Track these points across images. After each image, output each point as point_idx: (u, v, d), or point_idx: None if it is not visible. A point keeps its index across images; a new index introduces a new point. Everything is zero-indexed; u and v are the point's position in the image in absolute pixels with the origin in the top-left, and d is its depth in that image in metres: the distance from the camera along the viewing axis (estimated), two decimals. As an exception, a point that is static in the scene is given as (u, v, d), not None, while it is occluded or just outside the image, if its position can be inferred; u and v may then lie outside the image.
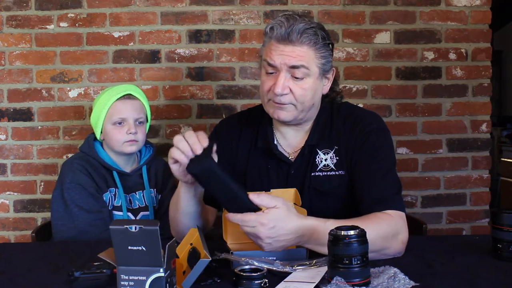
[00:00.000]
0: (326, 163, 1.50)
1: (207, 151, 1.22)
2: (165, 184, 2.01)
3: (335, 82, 1.56)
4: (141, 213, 1.91)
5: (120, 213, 1.86)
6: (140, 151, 2.00)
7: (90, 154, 1.88)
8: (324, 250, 1.14)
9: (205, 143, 1.22)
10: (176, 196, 1.39)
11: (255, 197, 1.17)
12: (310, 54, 1.41)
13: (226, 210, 1.20)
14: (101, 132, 1.90)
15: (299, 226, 1.20)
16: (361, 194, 1.43)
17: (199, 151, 1.21)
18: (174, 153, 1.24)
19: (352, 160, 1.48)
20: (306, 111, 1.47)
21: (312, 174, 1.50)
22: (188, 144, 1.22)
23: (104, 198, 1.85)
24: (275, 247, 1.19)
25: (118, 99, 1.86)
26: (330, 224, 1.10)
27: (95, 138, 1.95)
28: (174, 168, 1.29)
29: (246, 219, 1.16)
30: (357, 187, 1.45)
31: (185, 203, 1.35)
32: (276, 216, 1.17)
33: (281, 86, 1.40)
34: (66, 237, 1.76)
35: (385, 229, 1.27)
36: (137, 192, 1.93)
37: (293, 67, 1.40)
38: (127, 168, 1.94)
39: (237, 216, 1.17)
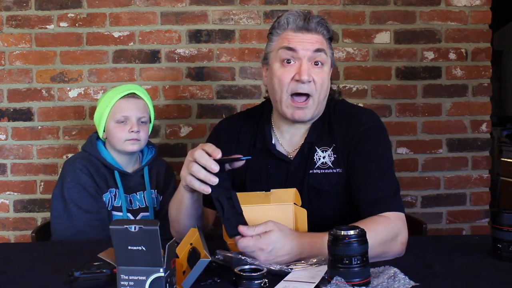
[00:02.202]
0: (324, 160, 1.49)
1: (222, 164, 1.20)
2: (167, 185, 2.01)
3: (331, 81, 1.57)
4: (141, 214, 1.91)
5: (120, 213, 1.85)
6: (142, 151, 2.00)
7: (92, 154, 1.88)
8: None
9: (218, 154, 1.19)
10: (178, 199, 1.38)
11: (246, 231, 1.16)
12: (325, 43, 1.46)
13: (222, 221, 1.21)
14: (104, 131, 1.90)
15: (296, 245, 1.20)
16: (359, 196, 1.42)
17: (215, 168, 1.17)
18: (192, 183, 1.21)
19: (349, 159, 1.48)
20: (321, 103, 1.49)
21: (310, 171, 1.49)
22: (202, 167, 1.18)
23: (104, 199, 1.85)
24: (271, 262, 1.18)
25: (122, 97, 1.87)
26: (318, 238, 1.10)
27: (98, 138, 1.95)
28: (188, 194, 1.30)
29: (244, 245, 1.15)
30: (355, 188, 1.45)
31: (188, 206, 1.35)
32: (273, 239, 1.16)
33: (306, 72, 1.41)
34: (64, 236, 1.76)
35: (383, 234, 1.26)
36: (137, 193, 1.93)
37: (317, 50, 1.43)
38: (129, 168, 1.94)
39: (236, 240, 1.16)
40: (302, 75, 1.40)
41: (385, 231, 1.28)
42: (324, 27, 1.46)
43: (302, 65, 1.41)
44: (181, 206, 1.36)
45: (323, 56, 1.44)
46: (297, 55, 1.42)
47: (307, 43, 1.42)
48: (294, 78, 1.42)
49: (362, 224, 1.27)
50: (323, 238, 1.20)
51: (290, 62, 1.43)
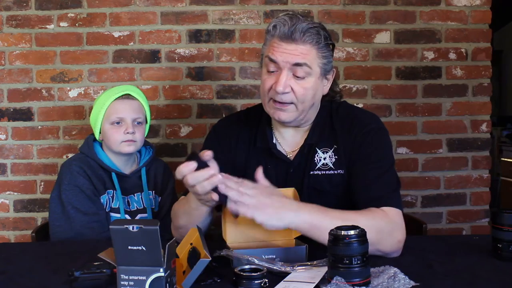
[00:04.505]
0: (325, 162, 1.50)
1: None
2: (165, 186, 2.00)
3: (335, 82, 1.57)
4: (139, 215, 1.90)
5: (118, 215, 1.85)
6: (139, 152, 1.99)
7: (89, 155, 1.87)
8: (320, 233, 1.19)
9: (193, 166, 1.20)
10: (190, 210, 1.38)
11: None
12: (313, 53, 1.42)
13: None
14: (100, 133, 1.90)
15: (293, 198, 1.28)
16: (358, 194, 1.43)
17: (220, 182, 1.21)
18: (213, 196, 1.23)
19: (351, 160, 1.48)
20: (306, 111, 1.47)
21: (311, 172, 1.49)
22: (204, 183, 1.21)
23: (102, 200, 1.84)
24: (275, 214, 1.21)
25: (116, 98, 1.86)
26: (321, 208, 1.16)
27: (95, 139, 1.94)
28: (206, 208, 1.34)
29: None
30: (355, 188, 1.45)
31: (203, 216, 1.36)
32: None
33: (283, 84, 1.40)
34: (63, 238, 1.76)
35: (379, 223, 1.27)
36: (135, 194, 1.92)
37: (296, 64, 1.40)
38: (126, 170, 1.93)
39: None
40: (278, 87, 1.40)
41: (381, 221, 1.29)
42: (313, 35, 1.41)
43: (280, 76, 1.41)
44: (194, 217, 1.37)
45: (306, 69, 1.41)
46: (278, 66, 1.42)
47: (288, 54, 1.40)
48: (272, 87, 1.43)
49: (358, 212, 1.28)
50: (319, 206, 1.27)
51: (273, 71, 1.44)
